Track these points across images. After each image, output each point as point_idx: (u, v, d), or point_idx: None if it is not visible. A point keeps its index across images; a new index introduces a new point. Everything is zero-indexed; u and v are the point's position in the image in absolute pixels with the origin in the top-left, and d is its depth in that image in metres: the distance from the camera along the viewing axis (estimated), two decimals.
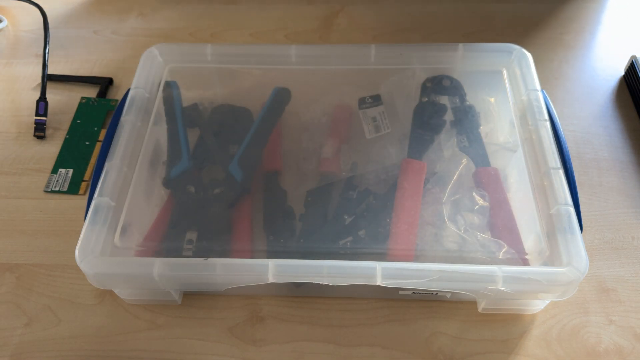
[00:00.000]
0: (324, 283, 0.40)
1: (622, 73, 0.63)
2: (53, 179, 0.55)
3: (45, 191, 0.54)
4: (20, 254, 0.50)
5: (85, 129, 0.59)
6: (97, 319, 0.46)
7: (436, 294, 0.45)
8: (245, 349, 0.44)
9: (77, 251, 0.41)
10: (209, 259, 0.40)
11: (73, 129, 0.59)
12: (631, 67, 0.61)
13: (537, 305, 0.44)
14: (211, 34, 0.69)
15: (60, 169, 0.56)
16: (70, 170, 0.55)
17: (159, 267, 0.40)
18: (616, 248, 0.49)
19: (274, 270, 0.40)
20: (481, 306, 0.45)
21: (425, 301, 0.46)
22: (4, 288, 0.48)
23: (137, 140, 0.49)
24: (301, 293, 0.46)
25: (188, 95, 0.55)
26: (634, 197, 0.53)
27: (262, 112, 0.52)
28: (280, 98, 0.54)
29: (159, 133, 0.52)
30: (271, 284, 0.40)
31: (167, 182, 0.49)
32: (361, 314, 0.46)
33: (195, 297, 0.47)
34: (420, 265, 0.40)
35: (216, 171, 0.49)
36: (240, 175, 0.48)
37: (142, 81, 0.52)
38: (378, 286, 0.40)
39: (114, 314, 0.46)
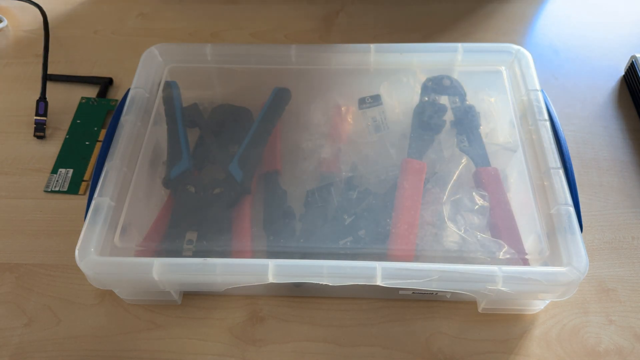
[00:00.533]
0: (324, 283, 0.40)
1: (622, 73, 0.63)
2: (53, 179, 0.55)
3: (45, 191, 0.54)
4: (20, 254, 0.50)
5: (85, 129, 0.59)
6: (97, 319, 0.46)
7: (436, 294, 0.45)
8: (245, 349, 0.44)
9: (77, 251, 0.41)
10: (208, 259, 0.40)
11: (73, 129, 0.59)
12: (631, 67, 0.61)
13: (537, 305, 0.44)
14: (211, 34, 0.69)
15: (60, 169, 0.56)
16: (70, 170, 0.55)
17: (158, 267, 0.40)
18: (616, 248, 0.49)
19: (274, 270, 0.40)
20: (481, 306, 0.45)
21: (425, 301, 0.46)
22: (4, 288, 0.48)
23: (137, 140, 0.49)
24: (301, 293, 0.46)
25: (188, 95, 0.55)
26: (634, 197, 0.53)
27: (262, 112, 0.52)
28: (280, 98, 0.54)
29: (159, 133, 0.52)
30: (271, 284, 0.40)
31: (167, 182, 0.49)
32: (361, 314, 0.46)
33: (195, 297, 0.47)
34: (420, 265, 0.40)
35: (216, 171, 0.49)
36: (240, 175, 0.48)
37: (142, 81, 0.52)
38: (378, 286, 0.40)
39: (114, 314, 0.46)
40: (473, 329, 0.45)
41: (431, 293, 0.45)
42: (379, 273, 0.40)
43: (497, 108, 0.53)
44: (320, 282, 0.40)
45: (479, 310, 0.45)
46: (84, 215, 0.43)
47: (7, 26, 0.71)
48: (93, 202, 0.44)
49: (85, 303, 0.47)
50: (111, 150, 0.47)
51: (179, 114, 0.52)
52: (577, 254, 0.40)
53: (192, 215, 0.46)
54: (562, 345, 0.44)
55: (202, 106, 0.55)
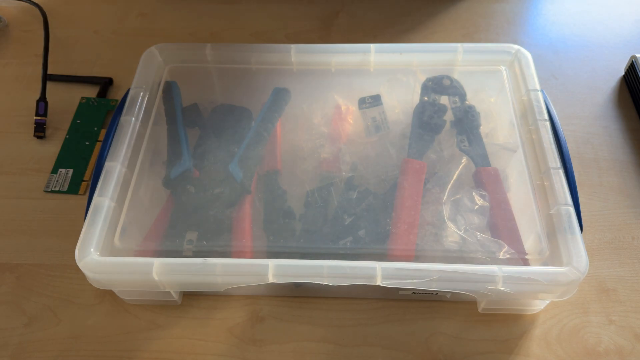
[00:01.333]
0: (324, 283, 0.40)
1: (622, 73, 0.63)
2: (53, 179, 0.55)
3: (45, 191, 0.54)
4: (20, 254, 0.50)
5: (85, 129, 0.59)
6: (97, 319, 0.46)
7: (436, 294, 0.45)
8: (245, 349, 0.44)
9: (77, 251, 0.41)
10: (208, 259, 0.40)
11: (73, 129, 0.59)
12: (631, 67, 0.61)
13: (537, 305, 0.44)
14: (211, 33, 0.69)
15: (60, 169, 0.56)
16: (70, 170, 0.55)
17: (158, 267, 0.40)
18: (616, 248, 0.49)
19: (274, 270, 0.40)
20: (481, 306, 0.45)
21: (425, 301, 0.46)
22: (4, 288, 0.48)
23: (137, 140, 0.49)
24: (301, 293, 0.46)
25: (188, 95, 0.55)
26: (634, 197, 0.53)
27: (262, 112, 0.52)
28: (280, 98, 0.54)
29: (159, 133, 0.52)
30: (271, 284, 0.40)
31: (167, 182, 0.49)
32: (361, 314, 0.46)
33: (195, 298, 0.47)
34: (420, 265, 0.40)
35: (216, 171, 0.49)
36: (240, 175, 0.48)
37: (142, 81, 0.52)
38: (378, 286, 0.40)
39: (114, 314, 0.46)
40: (473, 329, 0.45)
41: (431, 293, 0.45)
42: (379, 273, 0.40)
43: (497, 108, 0.54)
44: (321, 282, 0.40)
45: (479, 310, 0.45)
46: (84, 215, 0.43)
47: (7, 26, 0.71)
48: (93, 202, 0.44)
49: (85, 303, 0.47)
50: (111, 150, 0.47)
51: (179, 114, 0.52)
52: (577, 254, 0.40)
53: (192, 215, 0.46)
54: (562, 345, 0.44)
55: (202, 106, 0.55)
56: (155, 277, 0.40)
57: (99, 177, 0.45)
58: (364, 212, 0.47)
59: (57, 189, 0.54)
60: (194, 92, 0.56)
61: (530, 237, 0.45)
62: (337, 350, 0.44)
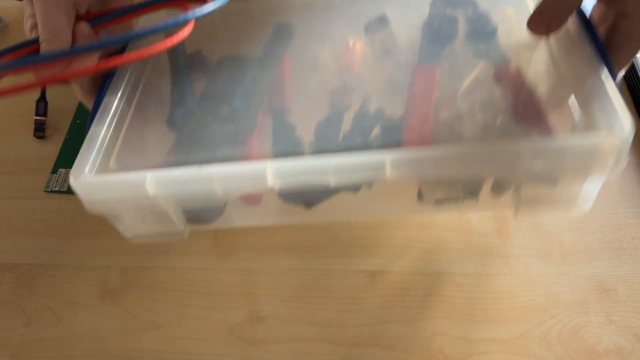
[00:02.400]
0: (330, 183, 0.36)
1: (622, 73, 0.63)
2: (53, 179, 0.55)
3: (45, 191, 0.54)
4: (20, 254, 0.50)
5: (85, 128, 0.59)
6: (97, 319, 0.46)
7: (463, 200, 0.40)
8: (245, 349, 0.44)
9: (71, 175, 0.38)
10: (203, 166, 0.37)
11: (73, 129, 0.59)
12: (631, 67, 0.61)
13: (584, 199, 0.39)
14: None
15: (60, 169, 0.56)
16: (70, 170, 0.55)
17: (151, 179, 0.37)
18: (616, 248, 0.49)
19: (274, 171, 0.36)
20: (519, 205, 0.39)
21: (426, 301, 0.46)
22: (4, 288, 0.48)
23: (135, 83, 0.46)
24: (315, 216, 0.43)
25: (190, 42, 0.50)
26: (634, 197, 0.52)
27: (264, 50, 0.50)
28: (284, 35, 0.51)
29: (162, 86, 0.49)
30: (278, 205, 0.37)
31: (171, 123, 0.46)
32: (361, 314, 0.46)
33: (195, 297, 0.47)
34: (438, 150, 0.34)
35: (221, 109, 0.46)
36: (245, 111, 0.46)
37: None
38: (407, 201, 0.37)
39: (114, 314, 0.46)
40: (473, 329, 0.45)
41: (457, 199, 0.40)
42: (388, 164, 0.34)
43: (514, 17, 0.48)
44: (325, 182, 0.36)
45: (515, 217, 0.40)
46: (84, 216, 0.43)
47: (7, 26, 0.71)
48: (90, 132, 0.41)
49: (85, 303, 0.47)
50: (108, 92, 0.44)
51: (183, 61, 0.50)
52: (615, 115, 0.33)
53: (198, 143, 0.44)
54: (562, 345, 0.44)
55: (205, 52, 0.51)
56: (149, 191, 0.37)
57: (97, 111, 0.43)
58: (378, 137, 0.42)
59: (57, 189, 0.54)
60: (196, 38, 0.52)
61: (559, 113, 0.39)
62: (337, 350, 0.44)
